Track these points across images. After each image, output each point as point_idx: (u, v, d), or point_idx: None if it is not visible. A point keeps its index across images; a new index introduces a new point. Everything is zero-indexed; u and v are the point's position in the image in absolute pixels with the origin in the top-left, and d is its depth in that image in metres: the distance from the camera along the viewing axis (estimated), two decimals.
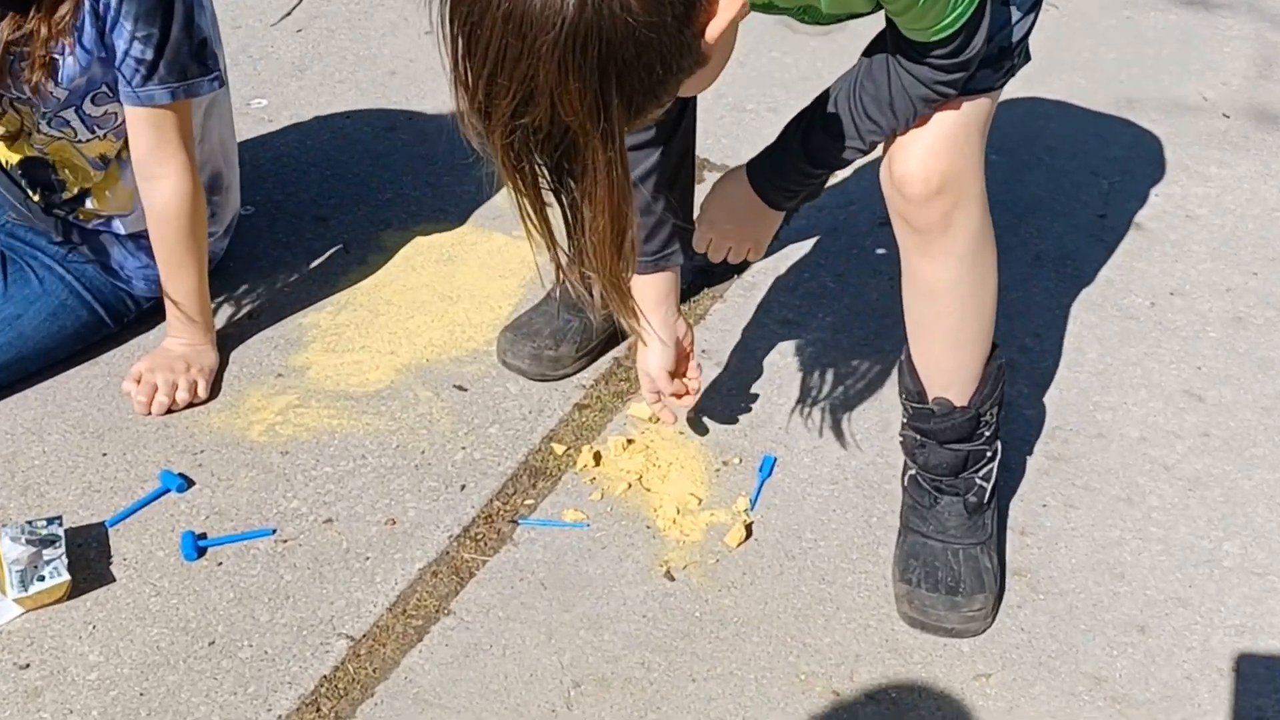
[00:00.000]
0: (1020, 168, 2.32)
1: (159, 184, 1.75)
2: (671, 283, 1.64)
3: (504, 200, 2.26)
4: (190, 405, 1.82)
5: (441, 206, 2.25)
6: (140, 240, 1.89)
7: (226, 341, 1.94)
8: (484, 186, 2.29)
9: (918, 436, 1.58)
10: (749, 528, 1.66)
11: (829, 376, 1.89)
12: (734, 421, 1.81)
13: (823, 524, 1.67)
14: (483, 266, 2.11)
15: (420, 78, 2.63)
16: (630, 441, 1.78)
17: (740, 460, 1.76)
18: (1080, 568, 1.61)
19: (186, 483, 1.71)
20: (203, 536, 1.64)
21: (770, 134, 2.43)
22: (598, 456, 1.75)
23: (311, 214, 2.22)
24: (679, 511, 1.68)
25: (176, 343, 1.85)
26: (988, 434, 1.57)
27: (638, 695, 1.46)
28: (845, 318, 2.00)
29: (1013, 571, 1.60)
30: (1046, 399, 1.85)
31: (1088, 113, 2.48)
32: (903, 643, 1.52)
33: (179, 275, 1.81)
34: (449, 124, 2.54)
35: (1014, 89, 2.41)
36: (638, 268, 1.53)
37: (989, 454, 1.58)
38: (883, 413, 1.83)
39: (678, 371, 1.63)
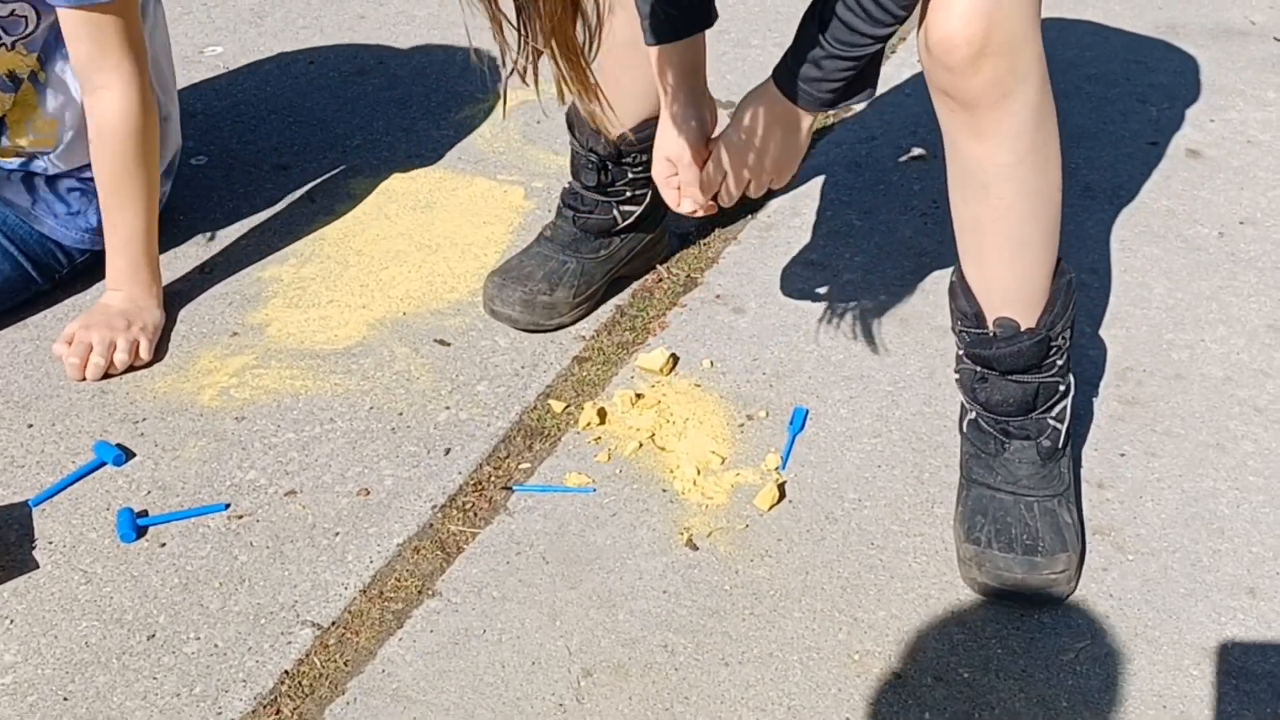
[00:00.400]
0: (1059, 96, 2.05)
1: (101, 96, 1.52)
2: (695, 50, 1.40)
3: (486, 144, 2.03)
4: (131, 369, 1.58)
5: (417, 151, 2.01)
6: (69, 182, 1.65)
7: (174, 299, 1.70)
8: (464, 129, 2.06)
9: (977, 369, 1.34)
10: (781, 488, 1.42)
11: (863, 320, 1.65)
12: (757, 372, 1.58)
13: (867, 481, 1.43)
14: (464, 213, 1.87)
15: (392, 20, 2.39)
16: (639, 396, 1.54)
17: (767, 414, 1.52)
18: (1171, 524, 1.38)
19: (125, 455, 1.47)
20: (143, 514, 1.40)
21: None
22: (602, 413, 1.52)
23: (271, 162, 1.99)
24: (699, 472, 1.44)
25: (116, 296, 1.61)
26: (1060, 363, 1.33)
27: (660, 683, 1.22)
28: (876, 256, 1.77)
29: (1093, 530, 1.37)
30: (1113, 338, 1.62)
31: (1127, 40, 2.26)
32: (972, 615, 1.29)
33: (123, 210, 1.57)
34: (424, 65, 2.33)
35: (1044, 13, 2.19)
36: (655, 36, 1.29)
37: (1062, 388, 1.35)
38: (927, 358, 1.59)
39: (701, 157, 1.40)
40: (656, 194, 1.67)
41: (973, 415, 1.37)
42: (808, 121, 1.30)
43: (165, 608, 1.30)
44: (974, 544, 1.30)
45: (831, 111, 1.29)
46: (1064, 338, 1.32)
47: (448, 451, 1.47)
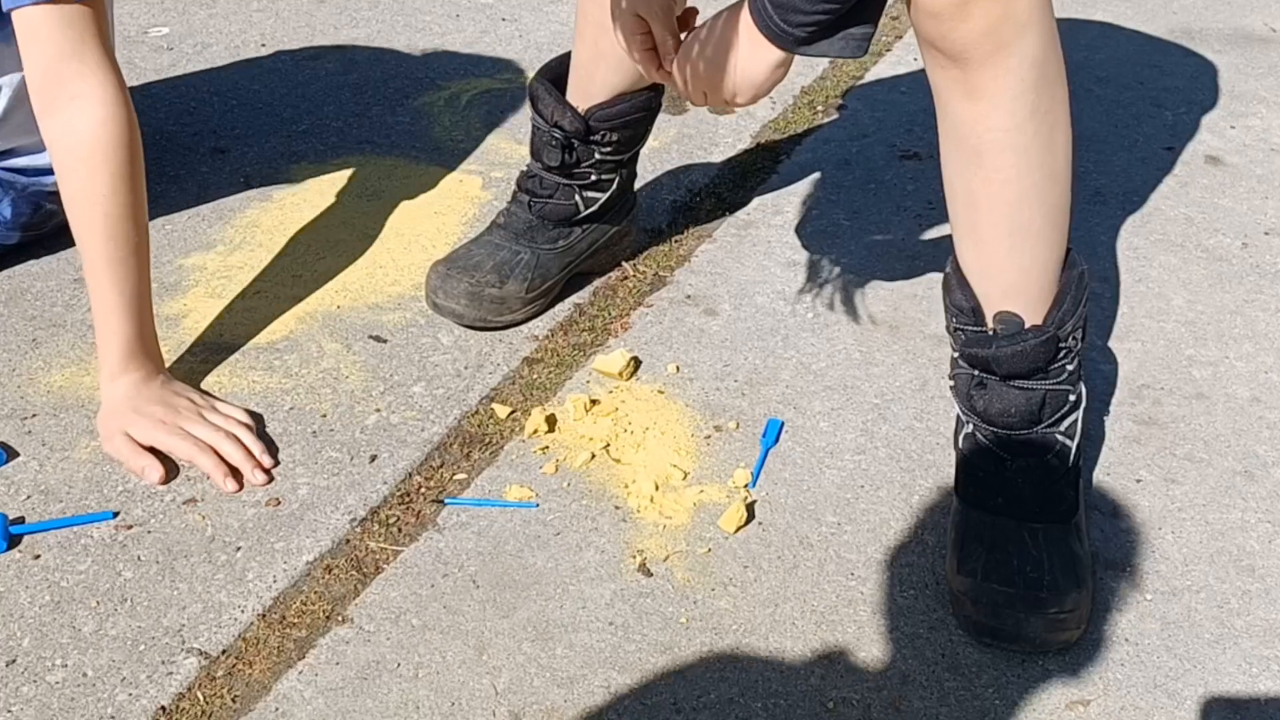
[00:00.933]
0: None
1: (80, 108, 1.24)
2: None
3: (445, 132, 1.86)
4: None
5: (369, 138, 1.85)
6: None
7: (78, 286, 1.52)
8: (421, 117, 1.90)
9: (974, 373, 1.17)
10: (750, 508, 1.24)
11: (848, 326, 1.48)
12: (728, 379, 1.41)
13: (848, 504, 1.26)
14: (415, 202, 1.71)
15: (353, 5, 2.24)
16: (595, 402, 1.37)
17: (737, 425, 1.35)
18: (1195, 559, 1.20)
19: (6, 454, 1.29)
20: (19, 521, 1.22)
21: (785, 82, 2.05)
22: (552, 420, 1.34)
23: (209, 145, 1.82)
24: (658, 488, 1.27)
25: (141, 381, 1.30)
26: (1070, 368, 1.16)
27: None
28: (864, 259, 1.60)
29: (1105, 564, 1.20)
30: (1126, 352, 1.45)
31: (1141, 43, 2.11)
32: (965, 659, 1.11)
33: (130, 258, 1.28)
34: (385, 51, 2.17)
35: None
36: None
37: (1072, 398, 1.18)
38: (919, 369, 1.42)
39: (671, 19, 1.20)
40: (624, 181, 1.51)
41: (969, 428, 1.20)
42: (775, 55, 1.07)
43: (31, 629, 1.12)
44: (968, 576, 1.12)
45: (808, 55, 1.07)
46: (1075, 338, 1.15)
47: (373, 459, 1.30)
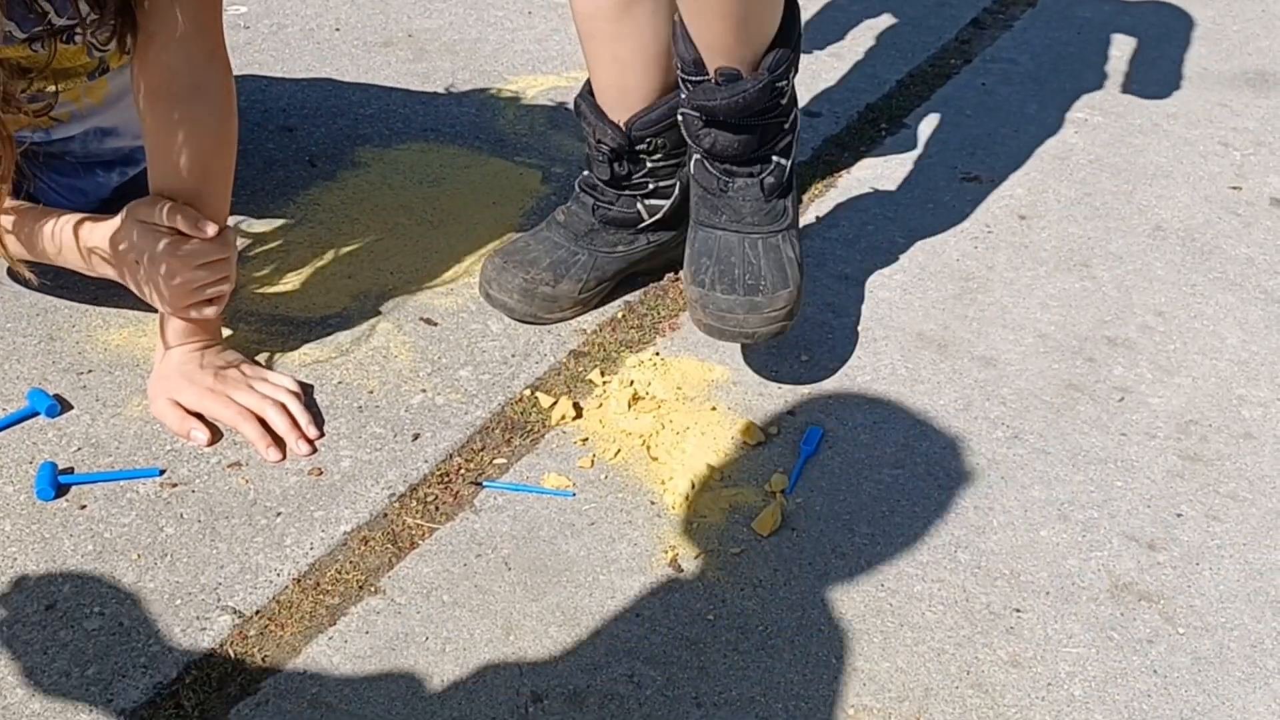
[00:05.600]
0: (1133, 131, 1.93)
1: (201, 97, 1.25)
2: None
3: (509, 125, 1.88)
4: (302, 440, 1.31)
5: (433, 126, 1.87)
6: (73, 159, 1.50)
7: None
8: (486, 109, 1.92)
9: (700, 118, 1.30)
10: (785, 513, 1.25)
11: (896, 341, 1.48)
12: (772, 386, 1.41)
13: (883, 516, 1.26)
14: (474, 191, 1.72)
15: None
16: (638, 399, 1.38)
17: (778, 431, 1.35)
18: (1231, 597, 1.19)
19: (60, 406, 1.32)
20: (68, 471, 1.25)
21: (830, 78, 2.04)
22: (578, 407, 1.35)
23: (277, 123, 1.85)
24: (694, 486, 1.27)
25: (200, 348, 1.33)
26: (783, 103, 1.30)
27: (620, 718, 1.05)
28: (918, 276, 1.60)
29: (1139, 595, 1.19)
30: (1176, 387, 1.44)
31: (1213, 81, 2.09)
32: (991, 678, 1.10)
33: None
34: (455, 43, 2.20)
35: (1125, 49, 2.02)
36: None
37: (786, 125, 1.33)
38: (963, 389, 1.42)
39: None
40: (685, 187, 1.51)
41: (697, 158, 1.35)
42: None
43: (72, 576, 1.15)
44: (699, 286, 1.31)
45: None
46: (790, 79, 1.29)
47: (416, 437, 1.32)
